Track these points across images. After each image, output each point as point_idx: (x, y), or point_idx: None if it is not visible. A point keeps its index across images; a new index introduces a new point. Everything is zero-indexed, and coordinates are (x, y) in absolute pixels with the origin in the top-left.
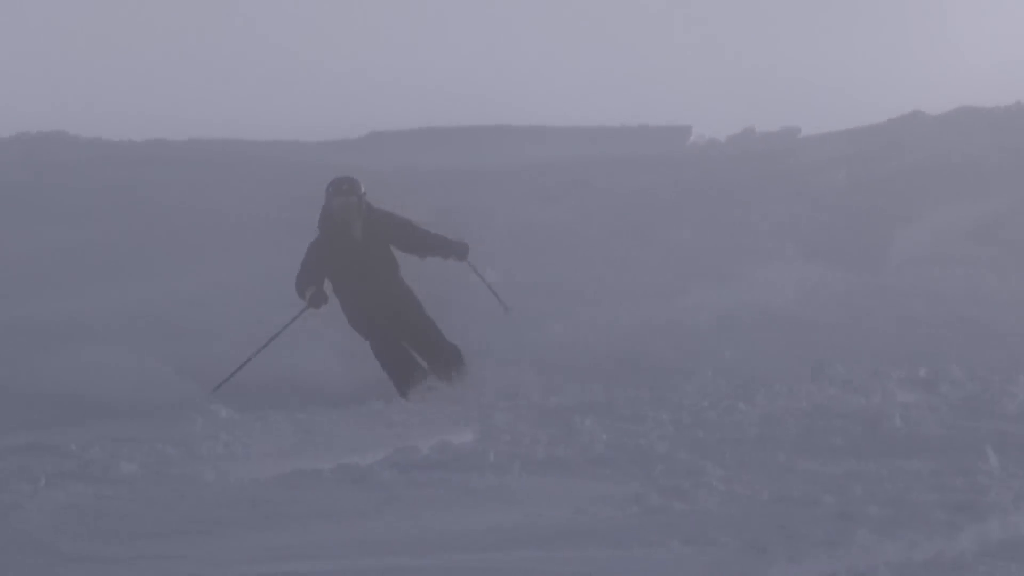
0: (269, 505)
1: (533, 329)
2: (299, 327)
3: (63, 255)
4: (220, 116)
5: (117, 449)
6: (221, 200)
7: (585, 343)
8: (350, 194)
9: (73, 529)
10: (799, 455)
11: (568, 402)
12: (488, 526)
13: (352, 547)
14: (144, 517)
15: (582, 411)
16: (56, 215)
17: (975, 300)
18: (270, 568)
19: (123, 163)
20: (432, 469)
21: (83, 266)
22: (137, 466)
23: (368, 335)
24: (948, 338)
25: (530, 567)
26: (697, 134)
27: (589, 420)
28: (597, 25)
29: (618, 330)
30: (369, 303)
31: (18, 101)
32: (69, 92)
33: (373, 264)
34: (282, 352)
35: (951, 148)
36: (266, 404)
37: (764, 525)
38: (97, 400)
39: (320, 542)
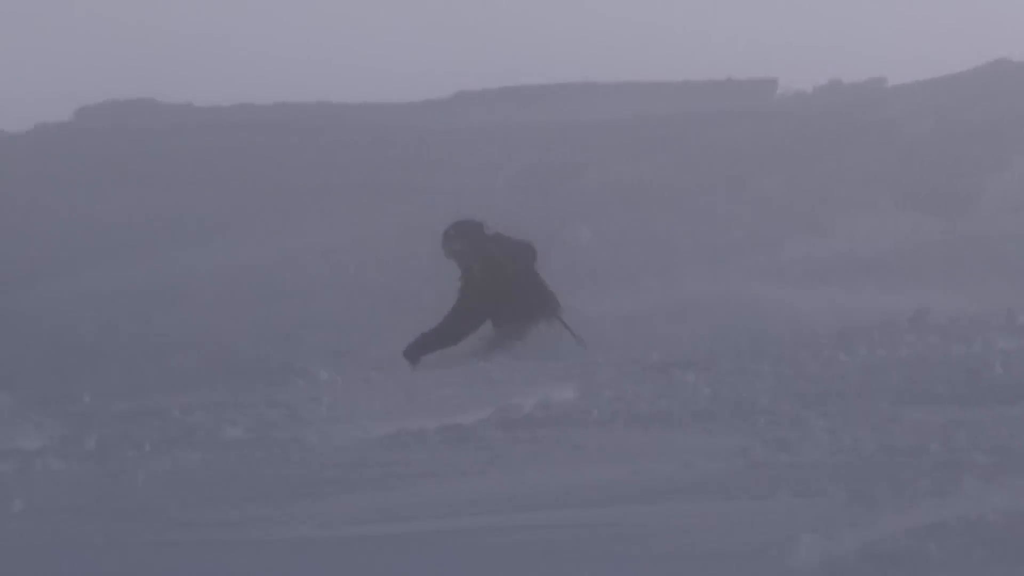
0: (374, 466)
1: (629, 285)
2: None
3: (157, 221)
4: (308, 79)
5: (221, 413)
6: (309, 163)
7: (681, 297)
8: (453, 241)
9: (180, 495)
10: (902, 404)
11: (669, 357)
12: (593, 482)
13: (458, 506)
14: (250, 481)
15: (683, 365)
16: (147, 182)
17: None
18: (377, 529)
19: (211, 129)
20: (535, 426)
21: (177, 232)
22: (241, 430)
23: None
24: None
25: (638, 522)
26: (783, 86)
27: (691, 374)
28: None
29: (715, 283)
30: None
31: (107, 68)
32: (157, 58)
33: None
34: (383, 313)
35: None
36: (369, 365)
37: (871, 475)
38: (199, 364)
39: (426, 502)
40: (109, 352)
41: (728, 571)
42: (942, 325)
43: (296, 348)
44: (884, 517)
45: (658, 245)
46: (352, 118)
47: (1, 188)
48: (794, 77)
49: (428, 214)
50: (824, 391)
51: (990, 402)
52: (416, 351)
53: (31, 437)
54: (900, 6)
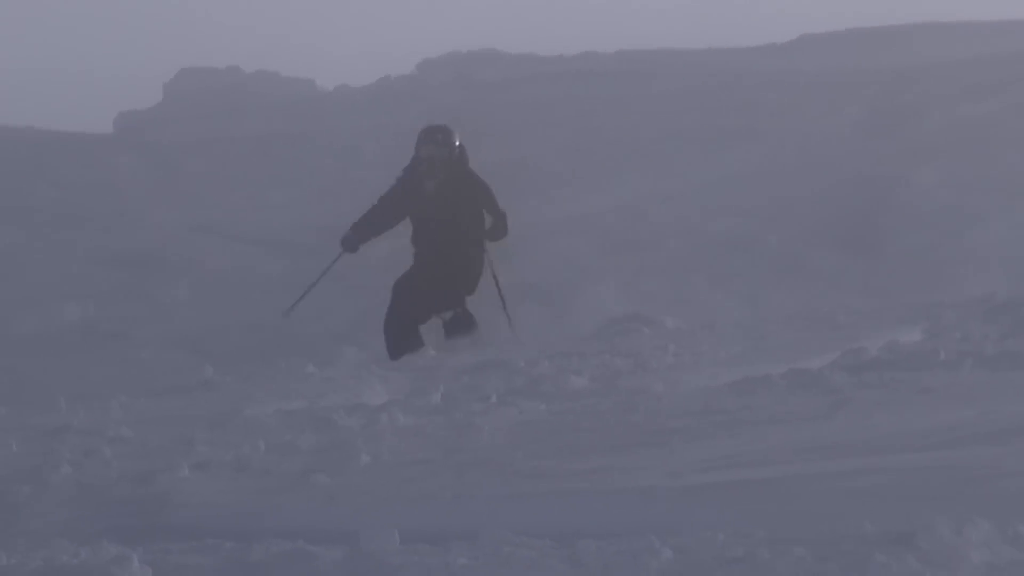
0: (721, 413)
1: (976, 223)
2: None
3: (499, 173)
4: (647, 25)
5: (566, 363)
6: (651, 110)
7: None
8: (441, 146)
9: (528, 446)
10: None
11: (1017, 295)
12: (942, 424)
13: (806, 451)
14: (596, 431)
15: None
16: (490, 133)
17: None
18: (725, 476)
19: (552, 79)
20: (882, 369)
21: (520, 183)
22: (587, 380)
23: (396, 296)
24: None
25: (988, 464)
26: None
27: None
28: None
29: None
30: (426, 263)
31: (449, 20)
32: (499, 8)
33: (442, 223)
34: (726, 260)
35: None
36: (714, 311)
37: None
38: (543, 315)
39: (774, 448)
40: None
41: None
42: None
43: (641, 296)
44: None
45: (1004, 185)
46: (694, 63)
47: (348, 141)
48: None
49: (772, 159)
50: None
51: None
52: (352, 238)
53: (377, 392)
54: None
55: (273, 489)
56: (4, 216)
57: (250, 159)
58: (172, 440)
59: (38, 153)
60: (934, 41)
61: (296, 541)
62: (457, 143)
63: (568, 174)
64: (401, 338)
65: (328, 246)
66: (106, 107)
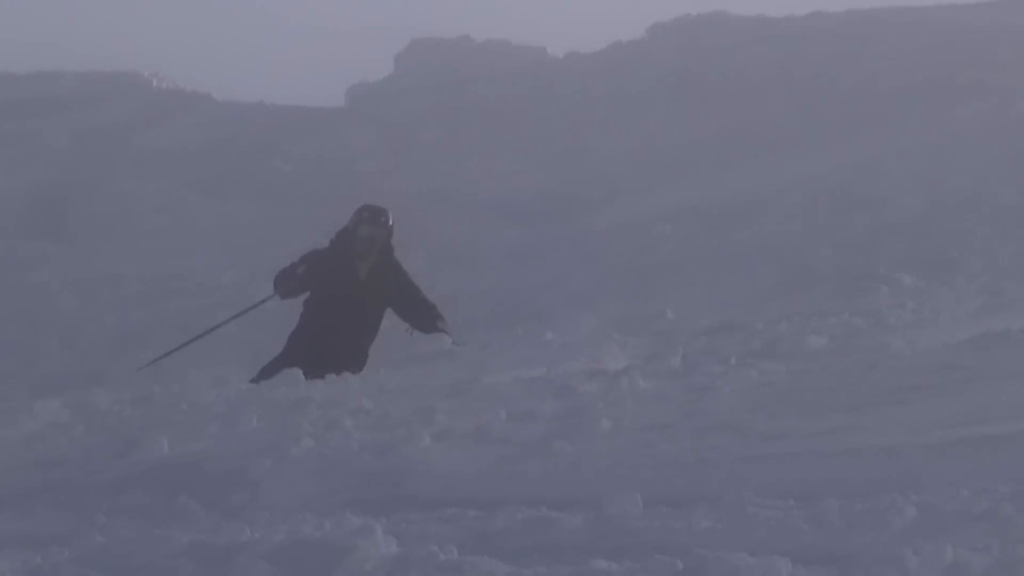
0: (961, 369)
1: None
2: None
3: (731, 136)
4: None
5: (805, 324)
6: (882, 67)
7: None
8: (383, 229)
9: (768, 407)
10: None
11: None
12: None
13: None
14: (836, 390)
15: None
16: (720, 96)
17: None
18: (967, 432)
19: (782, 40)
20: None
21: (752, 145)
22: (826, 340)
23: (287, 352)
24: None
25: None
26: None
27: None
28: None
29: None
30: (323, 340)
31: None
32: None
33: (359, 309)
34: (959, 215)
35: None
36: (952, 269)
37: None
38: (780, 277)
39: (1015, 402)
40: (689, 269)
41: None
42: None
43: (878, 255)
44: None
45: None
46: (923, 19)
47: (579, 108)
48: None
49: (1005, 114)
50: None
51: None
52: (291, 283)
53: (616, 357)
54: None
55: (514, 457)
56: (238, 191)
57: (482, 128)
58: (412, 410)
59: (270, 128)
60: None
61: (539, 508)
62: (392, 224)
63: (800, 134)
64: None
65: (559, 216)
66: (338, 80)
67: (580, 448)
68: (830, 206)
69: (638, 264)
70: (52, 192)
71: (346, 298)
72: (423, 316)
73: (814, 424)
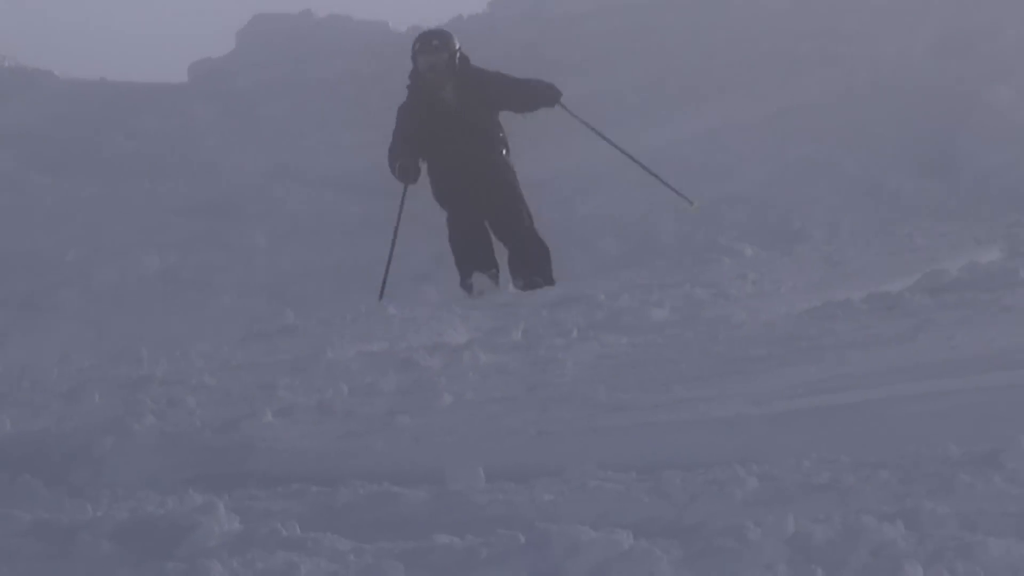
0: (803, 340)
1: None
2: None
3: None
4: None
5: (647, 296)
6: (723, 39)
7: None
8: (441, 51)
9: (610, 379)
10: None
11: None
12: None
13: (889, 374)
14: (679, 362)
15: None
16: (559, 70)
17: None
18: (809, 402)
19: (626, 10)
20: (962, 290)
21: (592, 118)
22: (668, 311)
23: (448, 205)
24: None
25: None
26: None
27: None
28: None
29: None
30: (458, 177)
31: None
32: None
33: (468, 132)
34: (804, 185)
35: None
36: (791, 239)
37: None
38: (622, 247)
39: (856, 372)
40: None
41: None
42: None
43: (719, 226)
44: None
45: None
46: None
47: None
48: None
49: (848, 84)
50: None
51: None
52: (409, 167)
53: (458, 331)
54: None
55: (357, 432)
56: (81, 168)
57: (324, 103)
58: (255, 386)
59: (113, 105)
60: None
61: (382, 483)
62: (457, 46)
63: (643, 106)
64: (474, 258)
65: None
66: (180, 56)
67: (422, 422)
68: (674, 177)
69: None
70: None
71: (448, 128)
72: (527, 93)
73: (656, 396)
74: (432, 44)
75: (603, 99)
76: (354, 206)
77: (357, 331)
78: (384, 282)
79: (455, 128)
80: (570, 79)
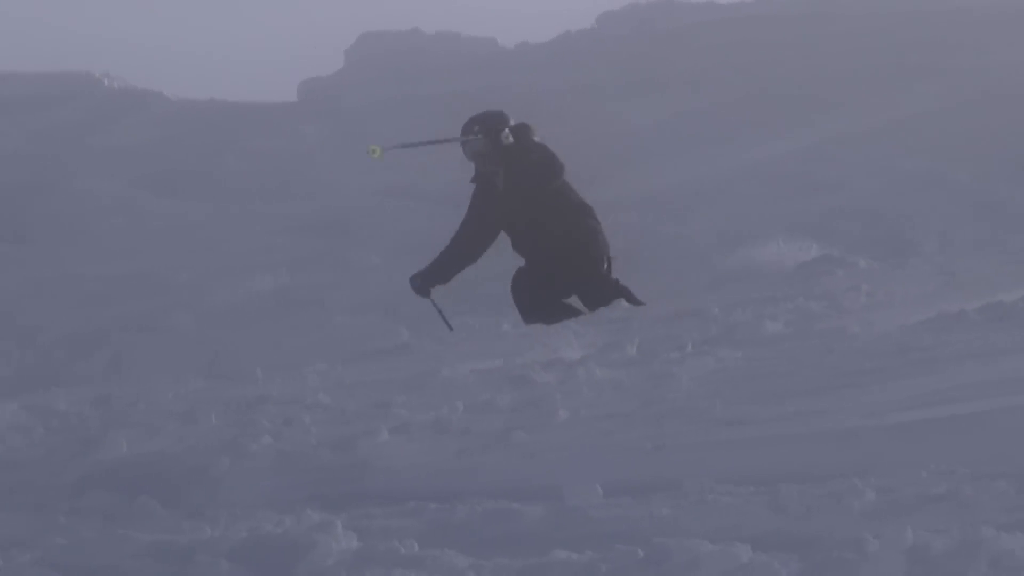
0: (917, 351)
1: None
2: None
3: (677, 124)
4: None
5: (761, 309)
6: (831, 52)
7: None
8: (478, 136)
9: (725, 393)
10: None
11: None
12: None
13: (1005, 384)
14: (793, 375)
15: None
16: (668, 84)
17: None
18: (925, 414)
19: (732, 25)
20: None
21: (697, 133)
22: (782, 325)
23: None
24: None
25: None
26: None
27: None
28: None
29: None
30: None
31: None
32: None
33: (525, 216)
34: (917, 198)
35: None
36: (906, 251)
37: None
38: (736, 262)
39: (972, 383)
40: (648, 256)
41: None
42: None
43: (832, 238)
44: None
45: None
46: (873, 3)
47: (530, 98)
48: None
49: (957, 95)
50: None
51: None
52: (426, 280)
53: (572, 347)
54: None
55: (473, 449)
56: (192, 189)
57: (434, 120)
58: (370, 404)
59: (222, 125)
60: None
61: (499, 500)
62: (507, 126)
63: (752, 120)
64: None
65: None
66: (289, 76)
67: (538, 438)
68: (784, 191)
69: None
70: (7, 194)
71: (510, 217)
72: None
73: (772, 409)
74: (473, 131)
75: (710, 114)
76: None
77: (471, 348)
78: (444, 318)
79: (515, 210)
80: (677, 93)
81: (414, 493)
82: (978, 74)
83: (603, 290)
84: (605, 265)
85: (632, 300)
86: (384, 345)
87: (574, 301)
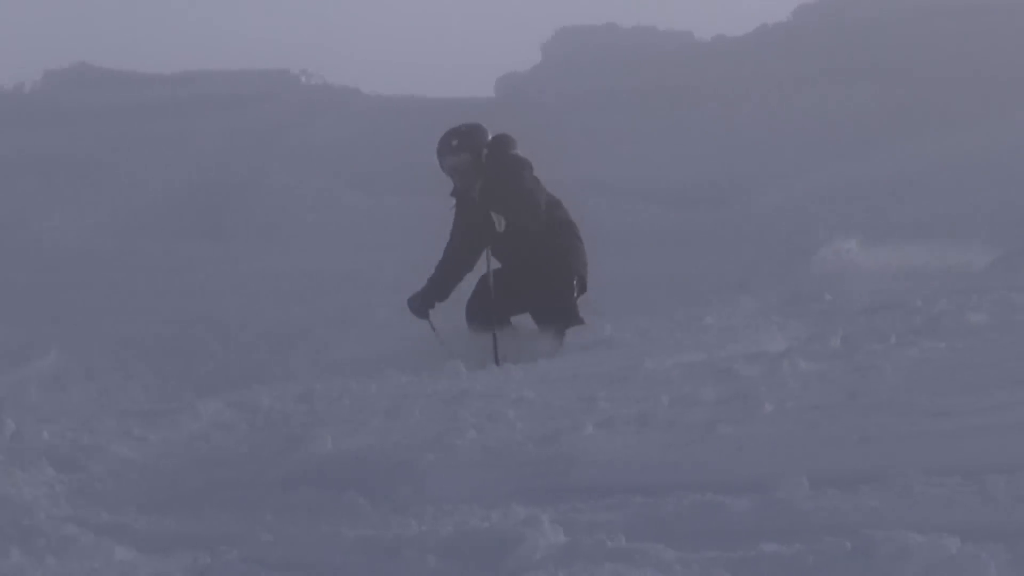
0: None
1: None
2: None
3: (875, 115)
4: None
5: (963, 300)
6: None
7: None
8: (460, 151)
9: (930, 384)
10: None
11: None
12: None
13: None
14: (998, 366)
15: None
16: (866, 75)
17: None
18: None
19: (930, 15)
20: None
21: (896, 124)
22: (986, 316)
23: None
24: None
25: None
26: None
27: None
28: None
29: None
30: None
31: None
32: None
33: (509, 242)
34: None
35: None
36: None
37: None
38: (940, 253)
39: None
40: (845, 249)
41: None
42: None
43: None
44: None
45: None
46: None
47: (729, 92)
48: None
49: None
50: None
51: None
52: (425, 300)
53: (776, 339)
54: None
55: (678, 442)
56: (391, 185)
57: (632, 114)
58: (574, 398)
59: (421, 121)
60: None
61: (705, 492)
62: (485, 144)
63: (953, 110)
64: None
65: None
66: (486, 71)
67: (744, 431)
68: (986, 182)
69: (794, 245)
70: (207, 192)
71: (488, 233)
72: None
73: (977, 400)
74: (451, 145)
75: (909, 104)
76: (667, 216)
77: (674, 341)
78: (439, 339)
79: (489, 226)
80: (875, 85)
81: (620, 487)
82: None
83: (562, 312)
84: (575, 283)
85: (566, 328)
86: (587, 339)
87: (524, 319)
